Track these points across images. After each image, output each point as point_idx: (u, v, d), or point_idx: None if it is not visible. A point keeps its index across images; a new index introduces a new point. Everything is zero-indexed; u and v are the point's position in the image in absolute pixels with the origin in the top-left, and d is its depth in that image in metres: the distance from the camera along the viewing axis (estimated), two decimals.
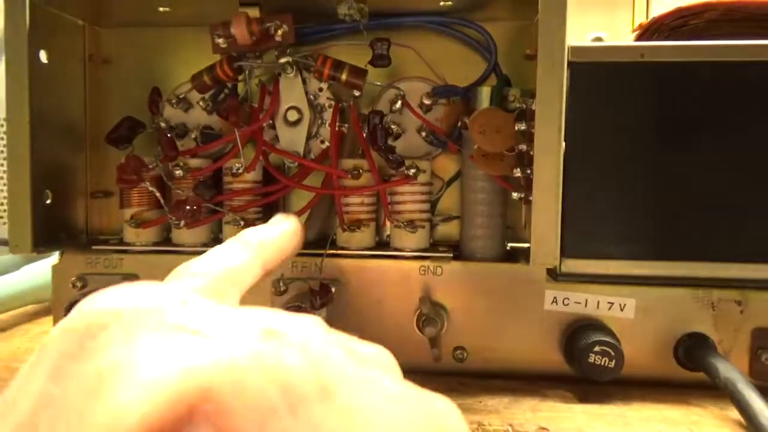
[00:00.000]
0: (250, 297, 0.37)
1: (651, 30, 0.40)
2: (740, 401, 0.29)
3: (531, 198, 0.33)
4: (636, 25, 0.47)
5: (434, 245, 0.39)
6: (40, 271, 0.53)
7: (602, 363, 0.33)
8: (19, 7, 0.35)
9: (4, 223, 0.69)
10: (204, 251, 0.38)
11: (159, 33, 0.44)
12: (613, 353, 0.33)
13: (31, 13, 0.36)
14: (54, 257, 0.41)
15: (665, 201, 0.35)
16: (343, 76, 0.36)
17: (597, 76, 0.35)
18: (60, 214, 0.40)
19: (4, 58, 0.35)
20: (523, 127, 0.34)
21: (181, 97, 0.41)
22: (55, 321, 0.39)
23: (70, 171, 0.42)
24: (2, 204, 0.68)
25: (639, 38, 0.40)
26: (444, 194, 0.42)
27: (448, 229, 0.43)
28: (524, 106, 0.35)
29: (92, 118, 0.44)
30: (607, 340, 0.33)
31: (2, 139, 0.68)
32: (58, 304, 0.39)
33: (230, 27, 0.35)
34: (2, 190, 0.67)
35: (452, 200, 0.42)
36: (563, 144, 0.33)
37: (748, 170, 0.34)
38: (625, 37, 0.45)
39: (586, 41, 0.39)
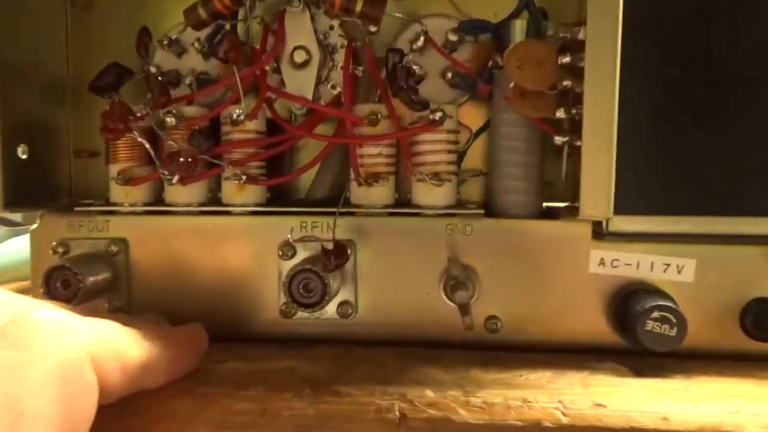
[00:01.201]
0: (256, 264, 0.33)
1: None
2: None
3: (578, 142, 0.29)
4: None
5: (461, 203, 0.35)
6: (24, 245, 0.48)
7: (662, 331, 0.29)
8: None
9: None
10: (200, 211, 0.34)
11: None
12: (674, 319, 0.29)
13: None
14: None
15: (731, 147, 0.30)
16: (358, 7, 0.31)
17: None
18: (38, 173, 0.36)
19: None
20: (567, 60, 0.30)
21: (173, 38, 0.36)
22: (34, 293, 0.34)
23: (51, 126, 0.38)
24: None
25: None
26: (469, 150, 0.37)
27: (473, 190, 0.38)
28: (568, 36, 0.30)
29: (75, 68, 0.40)
30: (667, 305, 0.29)
31: None
32: (36, 272, 0.34)
33: None
34: None
35: (477, 157, 0.37)
36: (618, 79, 0.28)
37: None
38: None
39: None
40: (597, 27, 0.28)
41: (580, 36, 0.29)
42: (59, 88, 0.39)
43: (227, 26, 0.35)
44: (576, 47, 0.29)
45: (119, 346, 0.24)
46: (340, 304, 0.33)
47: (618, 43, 0.28)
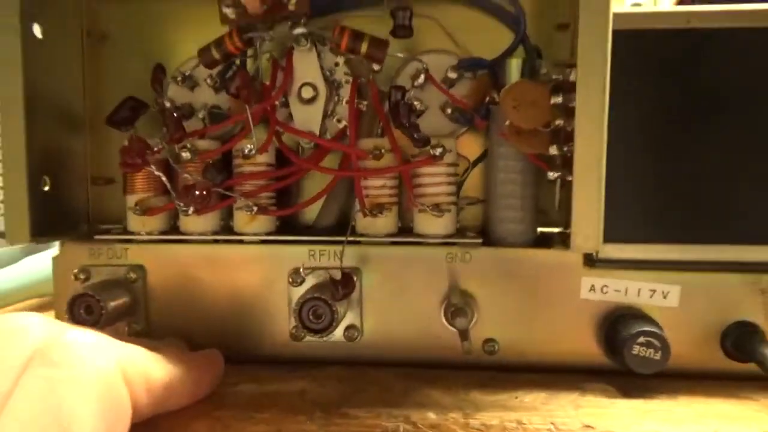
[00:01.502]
0: (267, 290, 0.35)
1: None
2: None
3: (569, 177, 0.31)
4: None
5: (460, 231, 0.37)
6: (41, 263, 0.50)
7: (647, 354, 0.31)
8: None
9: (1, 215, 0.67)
10: (213, 239, 0.36)
11: (161, 5, 0.41)
12: (659, 344, 0.31)
13: None
14: (55, 249, 0.38)
15: (713, 180, 0.33)
16: (363, 48, 0.33)
17: (642, 44, 0.32)
18: (59, 202, 0.38)
19: None
20: (559, 100, 0.32)
21: (186, 74, 0.38)
22: (57, 317, 0.36)
23: (69, 155, 0.40)
24: None
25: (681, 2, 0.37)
26: (467, 178, 0.39)
27: (471, 216, 0.40)
28: (560, 77, 0.32)
29: (91, 98, 0.41)
30: (652, 330, 0.31)
31: None
32: (60, 297, 0.37)
33: None
34: None
35: (475, 185, 0.39)
36: (606, 119, 0.30)
37: None
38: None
39: (625, 4, 0.36)
40: (586, 71, 0.29)
41: (572, 78, 0.30)
42: (77, 118, 0.41)
43: (237, 62, 0.37)
44: (568, 88, 0.31)
45: (144, 367, 0.26)
46: (347, 328, 0.35)
47: (606, 85, 0.29)
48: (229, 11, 0.33)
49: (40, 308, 0.49)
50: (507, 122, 0.32)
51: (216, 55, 0.34)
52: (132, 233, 0.37)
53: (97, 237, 0.37)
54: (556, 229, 0.38)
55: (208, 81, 0.37)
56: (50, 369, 0.22)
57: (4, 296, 0.47)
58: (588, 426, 0.28)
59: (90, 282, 0.36)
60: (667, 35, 0.32)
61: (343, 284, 0.32)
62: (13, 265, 0.50)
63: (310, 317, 0.32)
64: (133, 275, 0.36)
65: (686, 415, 0.29)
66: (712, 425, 0.28)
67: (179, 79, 0.38)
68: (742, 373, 0.32)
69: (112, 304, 0.34)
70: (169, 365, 0.27)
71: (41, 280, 0.50)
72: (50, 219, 0.36)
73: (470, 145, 0.39)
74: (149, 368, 0.26)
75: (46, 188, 0.36)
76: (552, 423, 0.28)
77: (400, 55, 0.36)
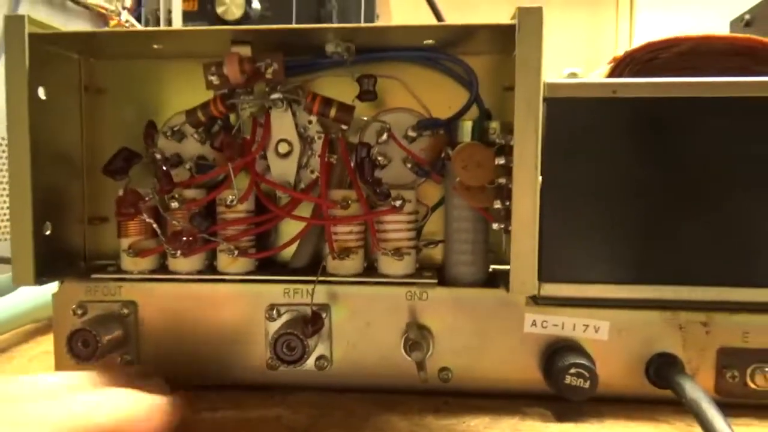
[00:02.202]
0: (246, 324, 0.39)
1: (623, 63, 0.42)
2: (704, 421, 0.32)
3: (510, 228, 0.35)
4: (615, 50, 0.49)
5: (420, 269, 0.41)
6: (36, 291, 0.54)
7: (578, 384, 0.35)
8: (19, 47, 0.36)
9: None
10: (199, 279, 0.40)
11: (151, 64, 0.45)
12: (587, 375, 0.35)
13: (30, 52, 0.37)
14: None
15: (636, 229, 0.37)
16: (332, 113, 0.38)
17: (572, 110, 0.37)
18: (59, 243, 0.42)
19: None
20: (502, 161, 0.36)
21: (175, 129, 0.42)
22: (56, 350, 0.40)
23: (68, 199, 0.44)
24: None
25: (613, 71, 0.42)
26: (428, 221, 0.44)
27: (432, 252, 0.45)
28: (503, 142, 0.37)
29: (88, 145, 0.45)
30: (582, 362, 0.35)
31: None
32: (59, 330, 0.40)
33: (222, 66, 0.37)
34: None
35: (436, 223, 0.44)
36: (539, 179, 0.35)
37: (710, 200, 0.37)
38: (603, 58, 0.47)
39: (563, 74, 0.41)
40: (522, 138, 0.34)
41: (512, 143, 0.35)
42: (75, 164, 0.44)
43: (219, 121, 0.41)
44: (509, 151, 0.36)
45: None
46: (318, 358, 0.39)
47: (538, 150, 0.34)
48: (213, 78, 0.38)
49: (35, 332, 0.53)
50: (457, 179, 0.37)
51: (202, 117, 0.39)
52: (125, 272, 0.41)
53: (93, 276, 0.41)
54: (506, 267, 0.43)
55: (195, 136, 0.42)
56: None
57: (3, 323, 0.51)
58: None
59: (86, 317, 0.40)
60: (596, 103, 0.37)
61: (313, 322, 0.36)
62: (10, 294, 0.54)
63: (284, 350, 0.36)
64: (125, 310, 0.40)
65: None
66: None
67: (168, 133, 0.42)
68: (662, 398, 0.37)
69: (107, 338, 0.38)
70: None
71: (37, 306, 0.53)
72: (51, 259, 0.40)
73: (431, 191, 0.43)
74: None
75: (48, 232, 0.40)
76: None
77: (365, 118, 0.40)
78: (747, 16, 0.81)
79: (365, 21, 1.05)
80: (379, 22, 1.05)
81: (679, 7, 2.34)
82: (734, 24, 0.85)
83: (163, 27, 1.04)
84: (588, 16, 2.41)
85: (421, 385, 0.38)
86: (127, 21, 0.96)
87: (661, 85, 0.37)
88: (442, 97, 0.43)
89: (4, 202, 0.72)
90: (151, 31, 0.40)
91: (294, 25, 0.35)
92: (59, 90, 0.42)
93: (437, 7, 0.73)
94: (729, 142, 0.36)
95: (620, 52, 0.42)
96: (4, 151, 0.71)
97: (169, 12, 1.06)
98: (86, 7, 0.88)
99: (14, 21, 0.37)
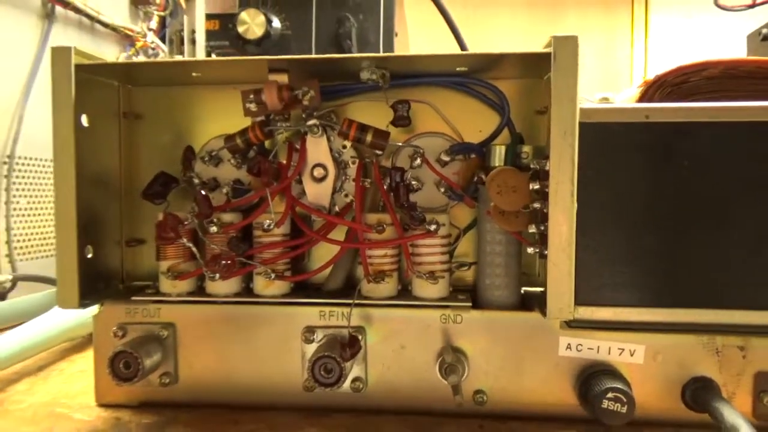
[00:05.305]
0: (283, 346, 0.39)
1: (654, 86, 0.42)
2: None
3: (546, 252, 0.36)
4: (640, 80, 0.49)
5: (453, 291, 0.42)
6: (71, 311, 0.55)
7: (615, 408, 0.35)
8: (65, 77, 0.38)
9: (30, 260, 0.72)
10: (237, 301, 0.41)
11: (188, 90, 0.46)
12: (625, 399, 0.35)
13: (75, 81, 0.38)
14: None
15: (672, 253, 0.37)
16: (368, 138, 0.39)
17: (606, 135, 0.37)
18: (99, 266, 0.43)
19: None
20: (537, 186, 0.37)
21: (213, 154, 0.43)
22: (97, 371, 0.41)
23: (107, 223, 0.45)
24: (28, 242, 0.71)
25: (643, 95, 0.42)
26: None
27: (465, 274, 0.45)
28: (537, 167, 0.37)
29: (126, 169, 0.47)
30: (619, 386, 0.36)
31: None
32: (99, 351, 0.41)
33: (261, 94, 0.38)
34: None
35: (467, 245, 0.44)
36: (576, 204, 0.35)
37: (745, 224, 0.37)
38: (627, 89, 0.47)
39: (594, 98, 0.41)
40: (558, 164, 0.35)
41: (547, 167, 0.36)
42: (113, 186, 0.46)
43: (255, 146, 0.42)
44: (544, 176, 0.36)
45: None
46: (353, 380, 0.40)
47: (574, 175, 0.35)
48: (251, 105, 0.39)
49: (71, 350, 0.54)
50: (492, 204, 0.38)
51: (240, 144, 0.40)
52: (164, 294, 0.42)
53: (133, 298, 0.41)
54: (539, 289, 0.43)
55: (232, 161, 0.43)
56: None
57: (43, 342, 0.52)
58: None
59: (127, 338, 0.41)
60: (630, 128, 0.37)
61: (351, 345, 0.37)
62: (45, 313, 0.55)
63: (322, 372, 0.37)
64: (164, 332, 0.41)
65: None
66: None
67: (206, 158, 0.43)
68: (699, 423, 0.37)
69: (148, 360, 0.39)
70: None
71: (71, 326, 0.55)
72: (92, 282, 0.41)
73: (461, 213, 0.44)
74: None
75: (90, 255, 0.41)
76: None
77: (399, 143, 0.41)
78: (764, 30, 0.81)
79: (384, 39, 1.06)
80: (398, 40, 1.06)
81: (694, 10, 2.33)
82: (751, 38, 0.84)
83: (202, 57, 1.05)
84: (603, 20, 2.42)
85: (456, 408, 0.38)
86: (152, 42, 0.98)
87: (693, 110, 0.37)
88: (472, 121, 0.43)
89: (40, 221, 0.73)
90: (191, 62, 0.41)
91: (330, 55, 0.36)
92: (99, 116, 0.43)
93: (461, 36, 0.74)
94: (763, 164, 0.37)
95: (651, 76, 0.42)
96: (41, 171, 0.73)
97: (193, 32, 1.08)
98: (114, 29, 0.90)
99: (61, 52, 0.38)
